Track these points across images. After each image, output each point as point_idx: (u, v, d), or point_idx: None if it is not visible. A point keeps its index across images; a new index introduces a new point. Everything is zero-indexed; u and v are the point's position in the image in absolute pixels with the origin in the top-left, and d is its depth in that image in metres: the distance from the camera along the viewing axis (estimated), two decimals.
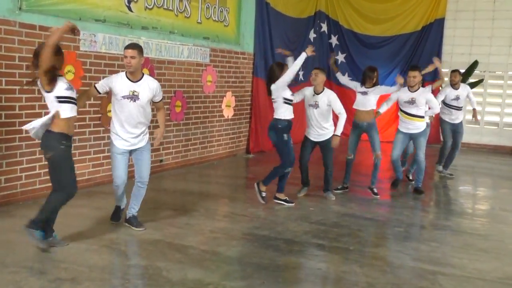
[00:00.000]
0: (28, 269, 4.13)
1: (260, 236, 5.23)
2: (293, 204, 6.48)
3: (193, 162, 8.98)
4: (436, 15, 12.88)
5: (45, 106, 6.10)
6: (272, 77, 6.34)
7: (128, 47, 5.00)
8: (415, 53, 13.12)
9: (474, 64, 12.41)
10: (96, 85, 5.09)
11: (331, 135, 6.68)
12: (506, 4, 12.40)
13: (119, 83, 5.00)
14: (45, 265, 4.21)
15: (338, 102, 6.61)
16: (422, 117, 7.23)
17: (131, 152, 5.17)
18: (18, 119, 5.93)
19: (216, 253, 4.72)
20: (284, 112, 6.31)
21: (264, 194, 6.46)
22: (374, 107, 7.19)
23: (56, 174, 4.52)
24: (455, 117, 8.65)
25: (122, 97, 4.96)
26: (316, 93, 6.62)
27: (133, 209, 5.32)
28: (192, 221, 5.66)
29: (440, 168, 8.88)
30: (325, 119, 6.64)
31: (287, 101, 6.31)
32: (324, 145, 6.74)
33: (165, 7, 7.94)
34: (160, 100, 5.27)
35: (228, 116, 9.84)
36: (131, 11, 7.32)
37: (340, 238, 5.30)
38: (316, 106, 6.60)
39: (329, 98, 6.57)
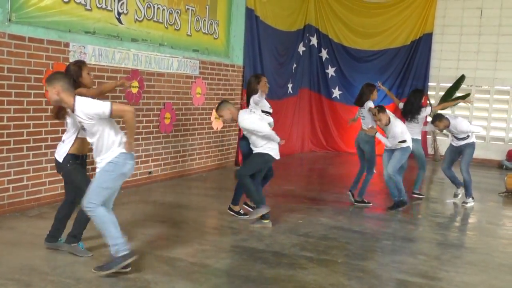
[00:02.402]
0: (15, 281, 4.09)
1: (248, 249, 5.23)
2: (247, 216, 6.28)
3: (182, 174, 8.97)
4: (425, 29, 13.01)
5: (33, 118, 6.13)
6: (249, 89, 6.47)
7: None
8: (405, 67, 13.24)
9: (461, 79, 12.56)
10: None
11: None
12: (492, 20, 12.59)
13: None
14: (31, 278, 4.18)
15: (250, 124, 5.99)
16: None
17: None
18: (6, 130, 5.90)
19: (205, 265, 4.71)
20: None
21: (242, 211, 6.42)
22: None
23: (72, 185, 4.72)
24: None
25: None
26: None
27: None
28: (181, 233, 5.64)
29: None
30: (255, 140, 6.06)
31: (267, 114, 6.35)
32: None
33: (155, 19, 7.98)
34: None
35: (217, 128, 9.85)
36: (121, 23, 7.34)
37: (328, 250, 5.32)
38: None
39: (241, 124, 6.12)
